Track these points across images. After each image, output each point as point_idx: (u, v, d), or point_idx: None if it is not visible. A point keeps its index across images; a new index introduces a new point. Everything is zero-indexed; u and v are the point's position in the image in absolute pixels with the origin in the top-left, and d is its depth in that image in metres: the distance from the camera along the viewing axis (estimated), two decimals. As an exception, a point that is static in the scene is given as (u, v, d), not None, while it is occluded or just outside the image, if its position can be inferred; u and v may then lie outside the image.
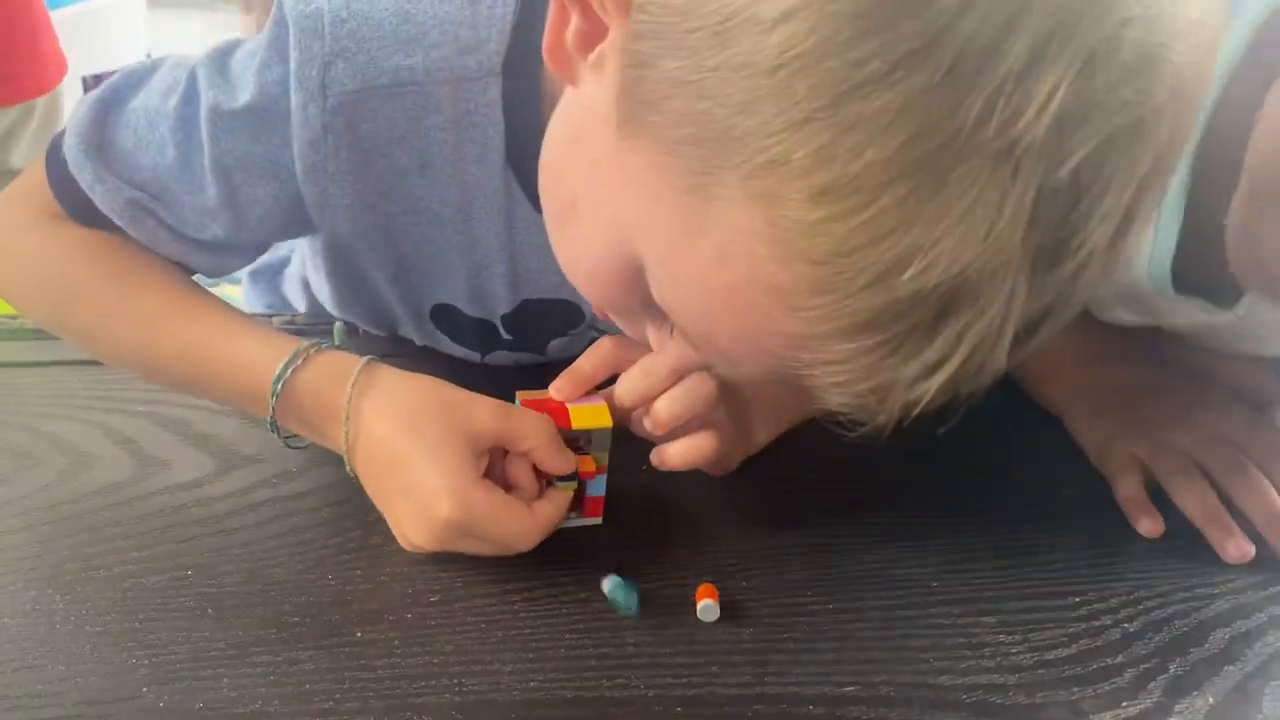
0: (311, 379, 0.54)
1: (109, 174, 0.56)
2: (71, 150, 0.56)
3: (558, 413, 0.54)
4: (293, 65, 0.52)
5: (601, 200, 0.42)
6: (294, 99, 0.53)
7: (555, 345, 0.69)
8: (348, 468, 0.54)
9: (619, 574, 0.53)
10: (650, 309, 0.45)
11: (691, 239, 0.37)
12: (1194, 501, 0.62)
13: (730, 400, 0.60)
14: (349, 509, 0.58)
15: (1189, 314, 0.62)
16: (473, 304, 0.65)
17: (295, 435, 0.57)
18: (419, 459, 0.51)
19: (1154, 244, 0.60)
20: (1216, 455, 0.63)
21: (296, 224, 0.59)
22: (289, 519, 0.57)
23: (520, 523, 0.52)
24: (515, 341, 0.68)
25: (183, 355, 0.58)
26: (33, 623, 0.50)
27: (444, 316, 0.67)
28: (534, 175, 0.49)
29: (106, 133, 0.57)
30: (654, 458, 0.56)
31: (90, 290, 0.59)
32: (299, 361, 0.54)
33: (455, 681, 0.48)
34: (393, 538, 0.53)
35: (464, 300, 0.65)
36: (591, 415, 0.54)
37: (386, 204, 0.58)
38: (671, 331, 0.48)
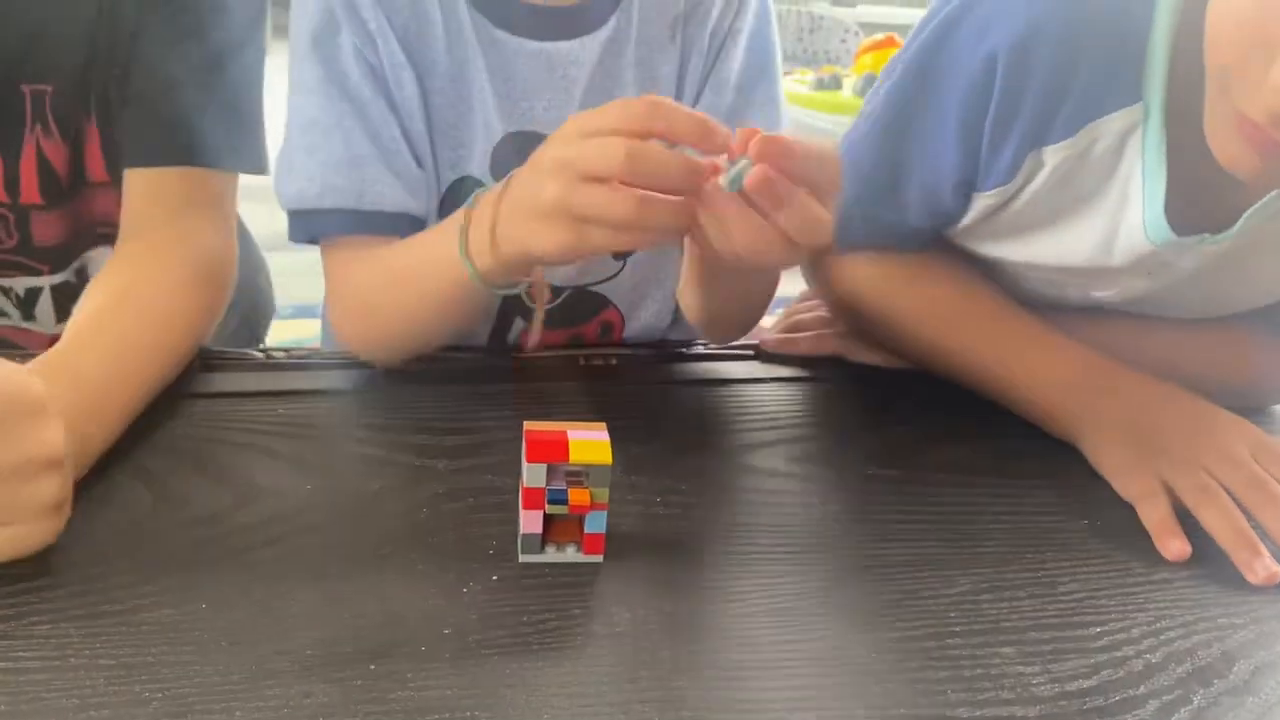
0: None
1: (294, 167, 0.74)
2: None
3: (557, 446, 0.53)
4: None
5: None
6: None
7: None
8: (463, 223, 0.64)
9: None
10: None
11: None
12: (1221, 522, 0.61)
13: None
14: (363, 544, 0.58)
15: (1195, 255, 0.65)
16: (459, 145, 0.76)
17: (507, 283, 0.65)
18: None
19: (1145, 198, 0.62)
20: (1235, 472, 0.63)
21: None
22: (303, 553, 0.57)
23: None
24: None
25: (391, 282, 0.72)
26: (45, 656, 0.50)
27: (454, 202, 0.76)
28: None
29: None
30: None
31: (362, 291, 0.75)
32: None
33: (468, 714, 0.48)
34: (405, 573, 0.54)
35: (458, 144, 0.76)
36: (592, 450, 0.53)
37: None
38: None
